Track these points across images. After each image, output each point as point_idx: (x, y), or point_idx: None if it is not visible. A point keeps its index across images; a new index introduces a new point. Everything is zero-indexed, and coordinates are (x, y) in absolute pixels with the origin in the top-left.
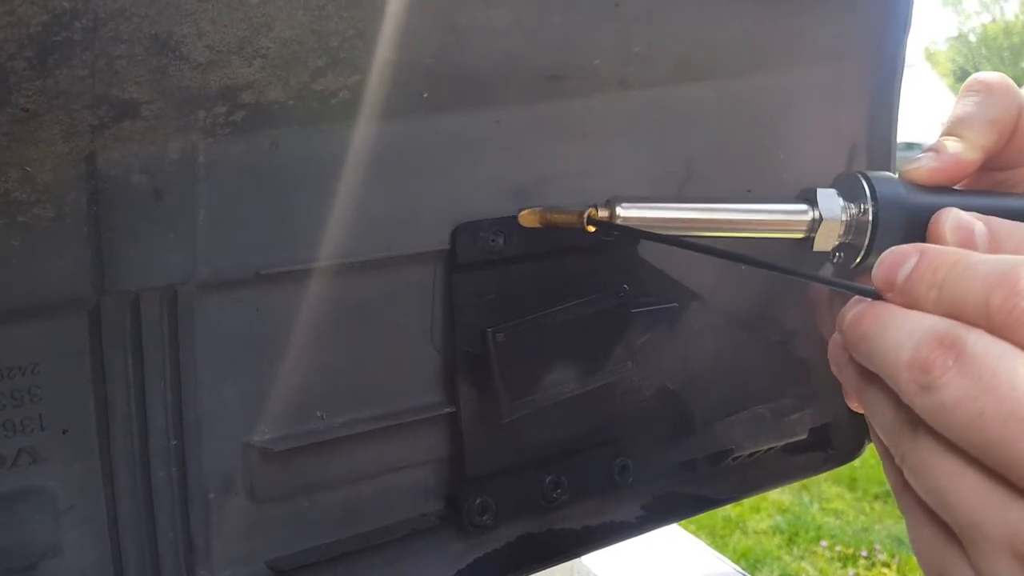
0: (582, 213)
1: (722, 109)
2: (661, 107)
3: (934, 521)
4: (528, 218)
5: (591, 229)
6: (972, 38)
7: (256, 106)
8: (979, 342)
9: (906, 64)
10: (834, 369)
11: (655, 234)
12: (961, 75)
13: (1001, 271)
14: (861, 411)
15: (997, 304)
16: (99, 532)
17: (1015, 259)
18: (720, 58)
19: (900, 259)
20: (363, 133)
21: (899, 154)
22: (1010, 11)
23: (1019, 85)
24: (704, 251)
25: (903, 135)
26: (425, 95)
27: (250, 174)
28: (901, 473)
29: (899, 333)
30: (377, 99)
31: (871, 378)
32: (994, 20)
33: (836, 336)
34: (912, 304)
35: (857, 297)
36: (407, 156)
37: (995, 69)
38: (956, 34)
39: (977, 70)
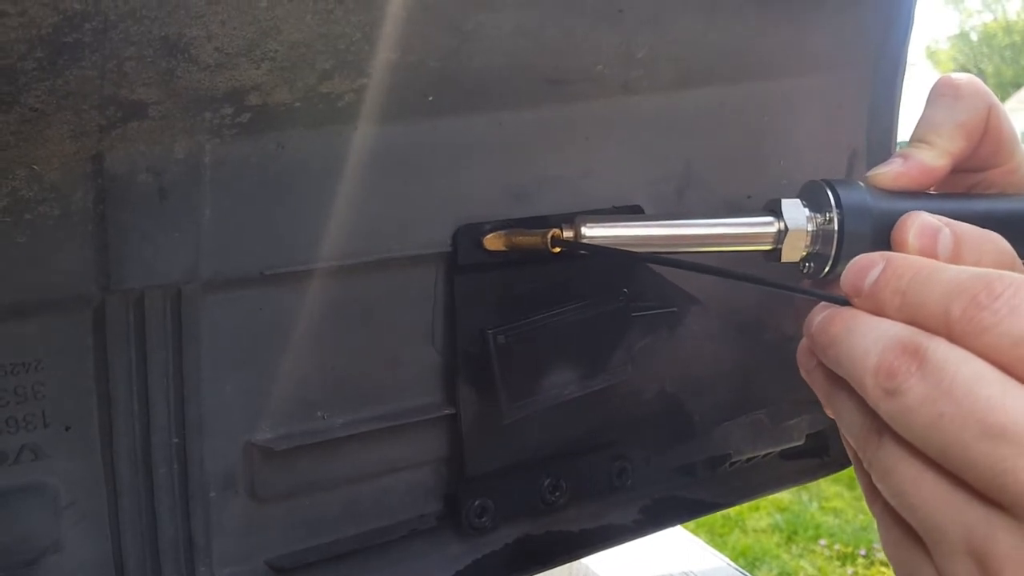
0: (546, 234)
1: (723, 115)
2: (662, 112)
3: (901, 524)
4: (493, 242)
5: (556, 250)
6: (974, 36)
7: (263, 108)
8: (939, 349)
9: (907, 63)
10: (803, 373)
11: (622, 251)
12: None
13: (960, 281)
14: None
15: (957, 314)
16: (100, 529)
17: (975, 270)
18: (722, 64)
19: (868, 265)
20: (367, 135)
21: None
22: (1011, 9)
23: (1020, 83)
24: (671, 264)
25: (905, 134)
26: (430, 98)
27: (255, 175)
28: (871, 478)
29: (866, 339)
30: (382, 102)
31: (839, 383)
32: (995, 19)
33: (804, 341)
34: (878, 310)
35: (824, 303)
36: (410, 158)
37: (996, 67)
38: (958, 32)
39: (979, 68)
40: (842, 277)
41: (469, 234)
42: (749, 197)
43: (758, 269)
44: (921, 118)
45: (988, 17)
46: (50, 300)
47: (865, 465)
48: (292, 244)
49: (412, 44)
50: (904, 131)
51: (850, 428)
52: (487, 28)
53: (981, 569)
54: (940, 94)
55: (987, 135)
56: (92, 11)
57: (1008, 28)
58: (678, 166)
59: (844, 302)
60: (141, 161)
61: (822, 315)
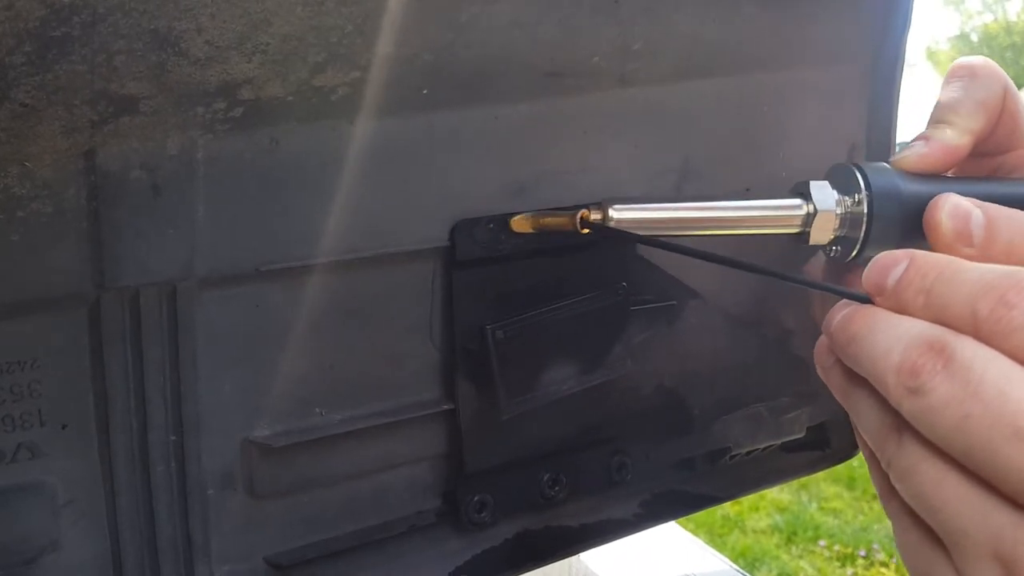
0: (574, 216)
1: (721, 107)
2: (660, 105)
3: (920, 525)
4: (520, 223)
5: (585, 231)
6: (974, 37)
7: (255, 102)
8: (967, 348)
9: (907, 64)
10: (820, 371)
11: (649, 237)
12: None
13: (987, 280)
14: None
15: (985, 313)
16: (98, 527)
17: (1003, 268)
18: (720, 56)
19: (891, 263)
20: (362, 129)
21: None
22: (1012, 10)
23: (1020, 84)
24: (698, 255)
25: (905, 134)
26: (424, 91)
27: (249, 170)
28: (887, 477)
29: (888, 337)
30: (376, 95)
31: (858, 381)
32: (996, 20)
33: (822, 338)
34: (901, 308)
35: (844, 300)
36: (406, 152)
37: None
38: (958, 33)
39: None
40: (864, 275)
41: (467, 229)
42: (748, 190)
43: (778, 265)
44: (938, 101)
45: (989, 18)
46: (45, 298)
47: (883, 465)
48: (288, 240)
49: (406, 37)
50: (903, 131)
51: (868, 427)
52: (482, 20)
53: (1007, 574)
54: (955, 75)
55: (1004, 115)
56: (80, 4)
57: (1008, 29)
58: (676, 159)
59: (865, 299)
60: (134, 157)
61: (843, 312)
